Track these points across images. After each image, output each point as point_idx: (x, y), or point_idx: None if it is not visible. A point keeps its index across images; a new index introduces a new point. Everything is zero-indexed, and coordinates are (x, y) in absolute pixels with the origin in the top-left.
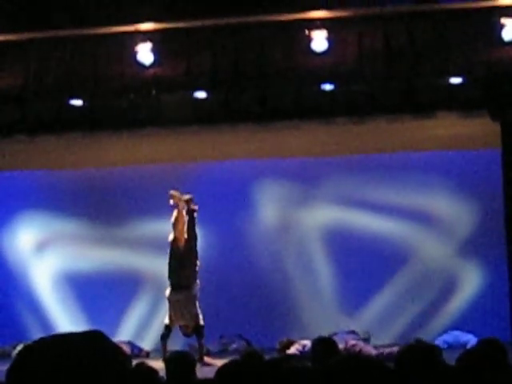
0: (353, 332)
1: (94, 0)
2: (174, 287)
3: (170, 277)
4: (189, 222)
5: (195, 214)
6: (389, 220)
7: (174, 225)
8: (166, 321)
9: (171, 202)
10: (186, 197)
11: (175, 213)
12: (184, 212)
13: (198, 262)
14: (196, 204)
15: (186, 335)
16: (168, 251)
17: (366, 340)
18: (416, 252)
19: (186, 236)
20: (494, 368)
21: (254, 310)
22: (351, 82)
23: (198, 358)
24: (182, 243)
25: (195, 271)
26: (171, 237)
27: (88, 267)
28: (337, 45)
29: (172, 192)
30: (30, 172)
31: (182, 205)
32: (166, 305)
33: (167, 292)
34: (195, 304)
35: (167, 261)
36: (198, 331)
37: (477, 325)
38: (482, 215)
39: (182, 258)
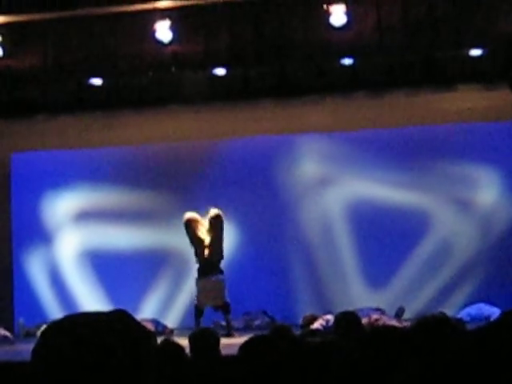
0: (378, 309)
1: None
2: (202, 271)
3: (197, 260)
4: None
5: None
6: (410, 193)
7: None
8: (196, 302)
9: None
10: (213, 212)
11: (192, 230)
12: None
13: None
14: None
15: (213, 309)
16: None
17: (398, 315)
18: (439, 225)
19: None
20: None
21: (277, 286)
22: (371, 56)
23: (228, 334)
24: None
25: (222, 252)
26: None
27: (113, 243)
28: (355, 19)
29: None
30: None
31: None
32: (194, 286)
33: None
34: (224, 287)
35: (189, 241)
36: (224, 308)
37: (502, 298)
38: (505, 185)
39: (207, 246)
